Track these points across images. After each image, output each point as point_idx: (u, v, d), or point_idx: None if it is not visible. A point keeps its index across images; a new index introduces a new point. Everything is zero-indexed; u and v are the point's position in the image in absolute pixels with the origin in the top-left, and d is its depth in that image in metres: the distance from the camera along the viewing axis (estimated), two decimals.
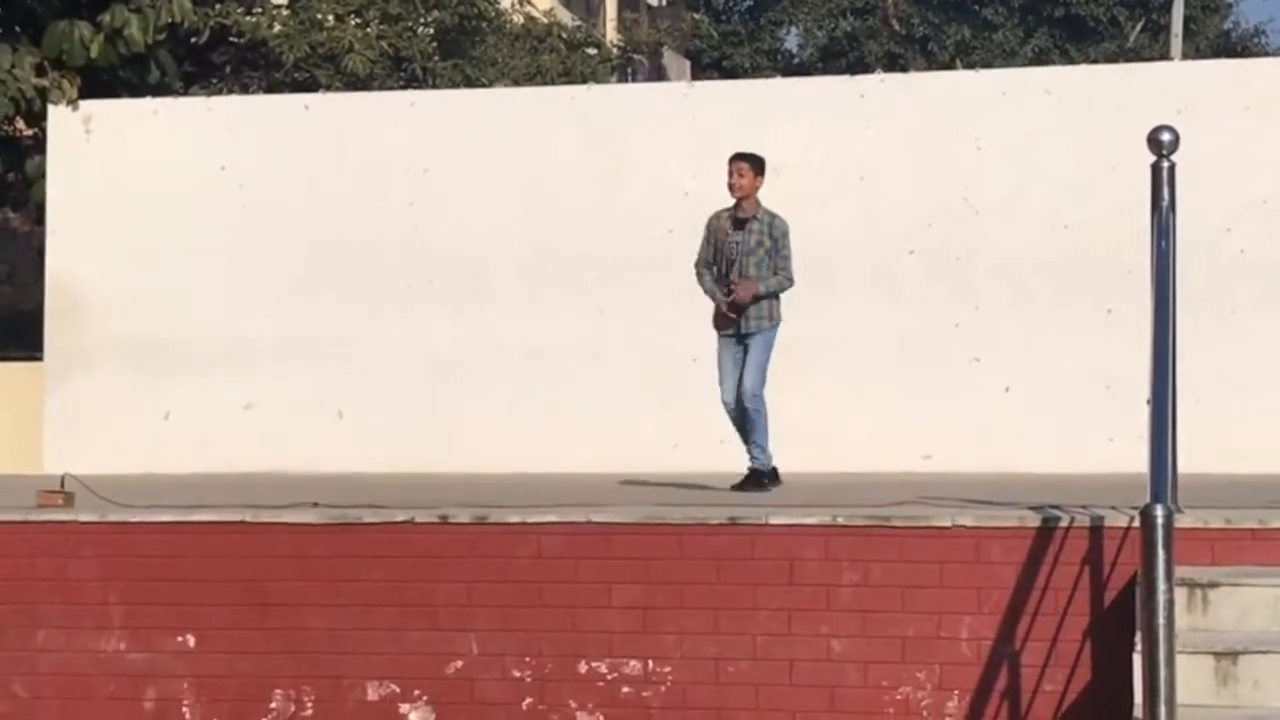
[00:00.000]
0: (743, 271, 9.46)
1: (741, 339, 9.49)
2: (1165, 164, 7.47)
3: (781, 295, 9.55)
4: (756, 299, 9.41)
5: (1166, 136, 7.45)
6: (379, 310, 12.59)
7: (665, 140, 12.34)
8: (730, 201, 9.60)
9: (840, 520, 7.77)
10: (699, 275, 9.60)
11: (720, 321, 9.43)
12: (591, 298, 12.42)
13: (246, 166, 12.80)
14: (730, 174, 9.51)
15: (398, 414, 12.44)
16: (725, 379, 9.52)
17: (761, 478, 9.47)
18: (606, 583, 7.87)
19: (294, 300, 12.65)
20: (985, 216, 12.13)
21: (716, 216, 9.60)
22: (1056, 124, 12.09)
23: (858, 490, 9.32)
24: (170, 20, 14.07)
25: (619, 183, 12.46)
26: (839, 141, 12.29)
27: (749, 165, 9.51)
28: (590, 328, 12.39)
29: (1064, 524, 7.53)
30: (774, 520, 7.82)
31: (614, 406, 12.20)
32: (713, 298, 9.48)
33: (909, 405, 12.02)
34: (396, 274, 12.61)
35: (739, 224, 9.51)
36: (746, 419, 9.46)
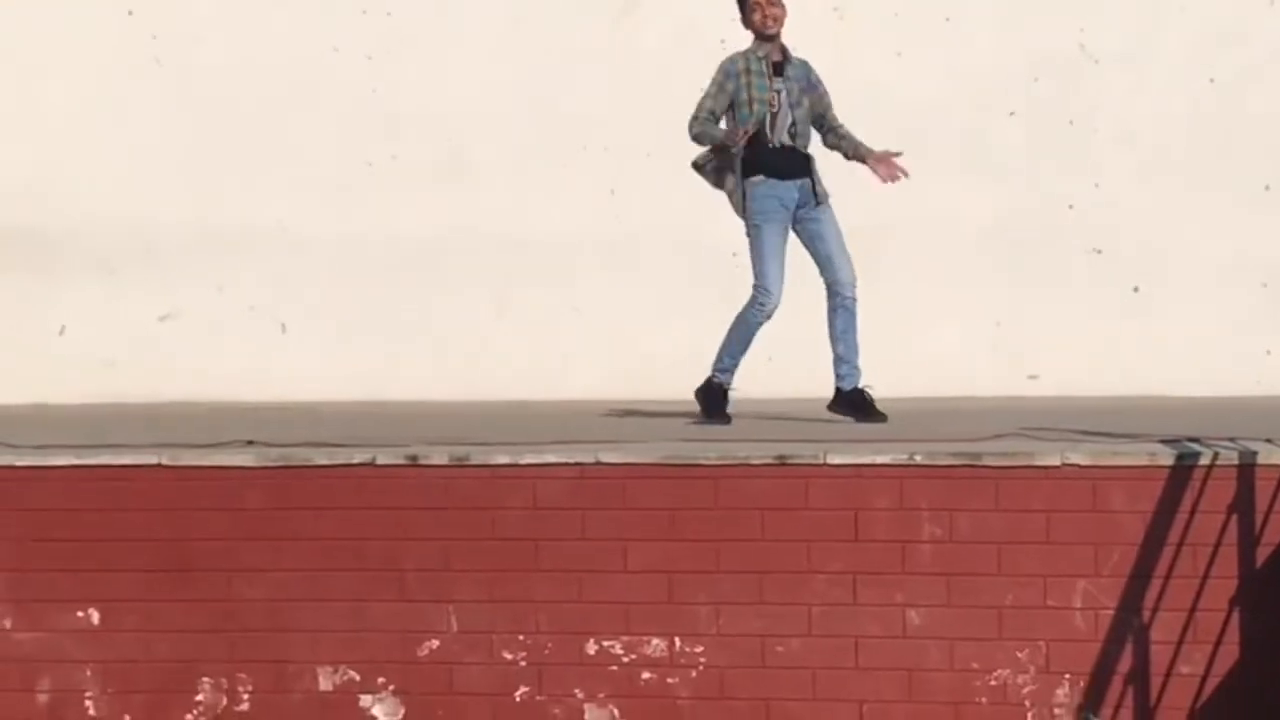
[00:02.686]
0: (795, 132, 9.48)
1: (806, 211, 9.47)
2: None
3: None
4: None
5: None
6: (330, 192, 12.58)
7: None
8: (742, 44, 9.59)
9: (919, 459, 7.77)
10: (699, 123, 9.54)
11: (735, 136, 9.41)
12: (601, 174, 12.39)
13: (160, 12, 12.75)
14: (753, 8, 9.45)
15: (355, 326, 12.46)
16: (779, 268, 9.50)
17: (866, 397, 9.51)
18: (621, 540, 7.89)
19: (222, 181, 12.64)
20: (1107, 67, 12.06)
21: (743, 58, 9.56)
22: None
23: (942, 420, 9.32)
24: None
25: (634, 25, 12.39)
26: None
27: None
28: (600, 212, 12.37)
29: (1205, 462, 7.52)
30: (834, 459, 7.83)
31: (631, 314, 12.20)
32: (727, 137, 9.46)
33: (1009, 310, 12.00)
34: (352, 146, 12.59)
35: (777, 69, 9.51)
36: (849, 320, 9.49)
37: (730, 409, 9.61)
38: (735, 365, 9.69)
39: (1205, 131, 11.93)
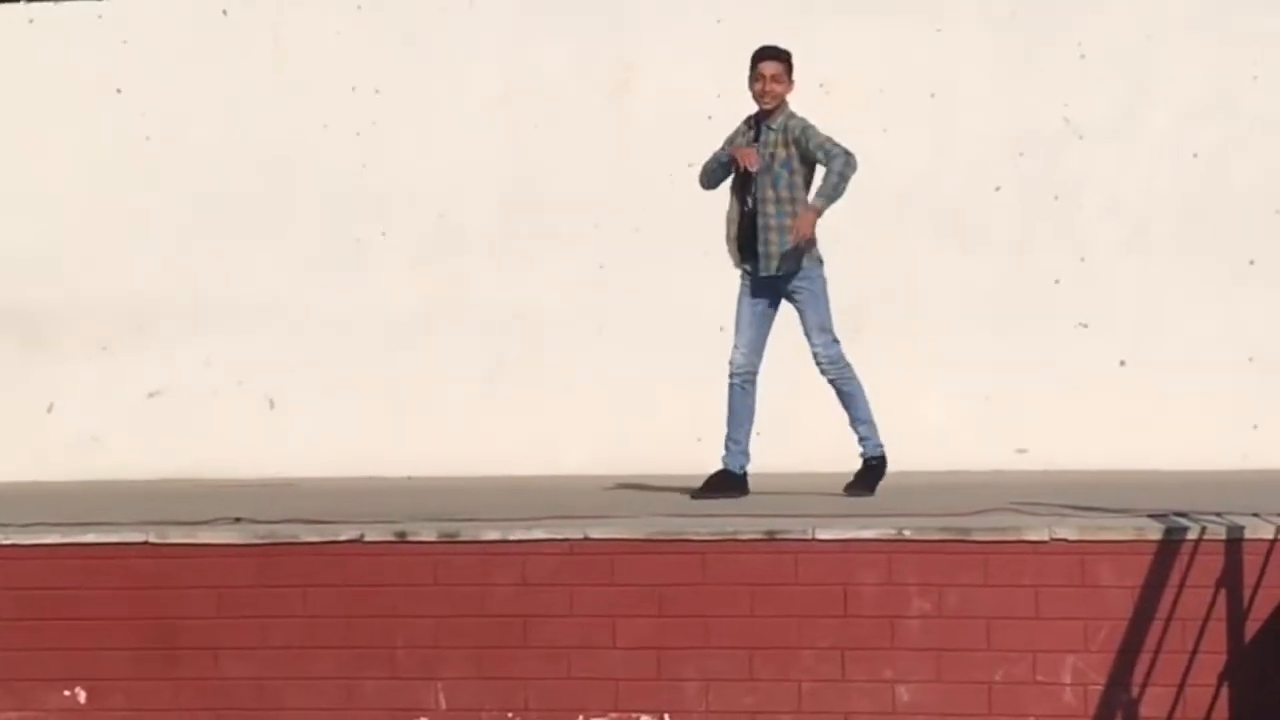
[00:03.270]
0: (759, 196, 9.46)
1: (777, 287, 9.46)
2: None
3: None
4: (819, 213, 9.43)
5: None
6: (319, 269, 12.57)
7: (682, 48, 12.28)
8: (730, 120, 9.67)
9: (907, 534, 7.76)
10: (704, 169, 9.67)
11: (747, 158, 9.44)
12: (590, 250, 12.39)
13: (149, 89, 12.77)
14: (756, 78, 9.52)
15: (343, 402, 12.42)
16: (741, 331, 9.52)
17: (876, 467, 9.50)
18: (610, 616, 7.86)
19: (211, 258, 12.62)
20: (1092, 142, 12.07)
21: (743, 123, 9.69)
22: (1183, 21, 12.02)
23: (930, 494, 9.29)
24: None
25: (624, 103, 12.42)
26: (904, 47, 12.23)
27: (782, 66, 9.56)
28: (588, 288, 12.36)
29: (1193, 536, 7.50)
30: (823, 535, 7.81)
31: (619, 389, 12.17)
32: (716, 159, 9.55)
33: (996, 385, 11.97)
34: (341, 222, 12.58)
35: (759, 134, 9.57)
36: (843, 397, 9.52)
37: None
38: (736, 440, 9.56)
39: (1190, 206, 11.93)
